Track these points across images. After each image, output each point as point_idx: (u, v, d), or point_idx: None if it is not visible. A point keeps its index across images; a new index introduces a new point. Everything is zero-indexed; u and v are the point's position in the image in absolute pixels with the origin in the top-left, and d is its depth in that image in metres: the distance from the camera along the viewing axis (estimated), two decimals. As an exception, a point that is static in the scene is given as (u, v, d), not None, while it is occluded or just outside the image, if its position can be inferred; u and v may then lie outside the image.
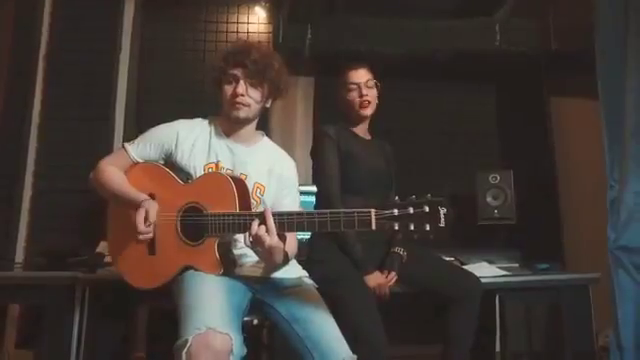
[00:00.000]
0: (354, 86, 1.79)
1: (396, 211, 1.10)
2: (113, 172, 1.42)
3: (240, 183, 1.35)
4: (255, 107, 1.45)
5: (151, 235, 1.32)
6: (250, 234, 1.22)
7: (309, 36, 2.65)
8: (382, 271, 1.67)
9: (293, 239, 1.36)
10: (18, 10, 2.81)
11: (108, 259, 1.87)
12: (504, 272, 1.84)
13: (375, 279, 1.63)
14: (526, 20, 2.65)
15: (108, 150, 2.68)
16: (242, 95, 1.41)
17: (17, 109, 2.69)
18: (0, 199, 2.62)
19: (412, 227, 1.09)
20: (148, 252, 1.38)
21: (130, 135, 2.73)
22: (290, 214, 1.23)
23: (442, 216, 1.08)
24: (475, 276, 1.70)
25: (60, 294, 1.67)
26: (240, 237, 1.39)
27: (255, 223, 1.22)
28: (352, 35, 2.66)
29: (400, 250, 1.71)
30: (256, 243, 1.22)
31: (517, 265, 2.05)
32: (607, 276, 1.94)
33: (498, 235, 2.57)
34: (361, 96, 1.77)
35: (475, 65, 2.73)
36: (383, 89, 2.86)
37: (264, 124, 2.80)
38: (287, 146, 2.75)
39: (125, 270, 1.42)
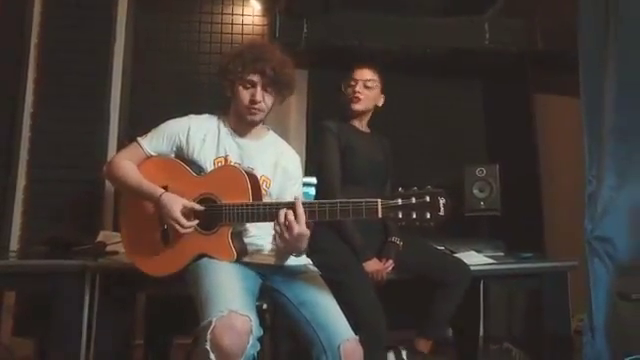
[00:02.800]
0: (353, 82, 1.88)
1: (400, 201, 1.19)
2: (129, 166, 1.47)
3: (252, 176, 1.42)
4: (268, 110, 1.53)
5: (193, 227, 1.37)
6: (279, 222, 1.29)
7: (305, 30, 2.70)
8: (380, 259, 1.77)
9: None
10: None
11: (110, 248, 1.92)
12: (491, 260, 1.97)
13: (373, 265, 1.73)
14: (514, 20, 2.76)
15: (102, 140, 2.69)
16: (260, 102, 1.47)
17: (10, 98, 2.67)
18: (-5, 188, 2.62)
19: (414, 215, 1.19)
20: (162, 241, 1.44)
21: (124, 125, 2.76)
22: (319, 203, 1.31)
23: (442, 206, 1.18)
24: (465, 263, 1.82)
25: (69, 282, 1.70)
26: (251, 227, 1.46)
27: (283, 211, 1.29)
28: (347, 30, 2.72)
29: (396, 239, 1.81)
30: (286, 230, 1.29)
31: (502, 254, 2.18)
32: (583, 264, 2.09)
33: (483, 226, 2.71)
34: (354, 92, 1.86)
35: (465, 62, 2.84)
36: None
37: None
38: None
39: (139, 259, 1.48)
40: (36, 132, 2.67)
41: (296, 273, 1.49)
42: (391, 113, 2.96)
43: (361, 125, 1.93)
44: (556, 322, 1.97)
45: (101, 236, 2.13)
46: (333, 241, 1.72)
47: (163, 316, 2.20)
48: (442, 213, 1.19)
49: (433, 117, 3.00)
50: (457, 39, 2.71)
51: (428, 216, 1.19)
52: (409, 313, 1.71)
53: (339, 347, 1.32)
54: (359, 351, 1.36)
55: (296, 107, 3.12)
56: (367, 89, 1.87)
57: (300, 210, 1.28)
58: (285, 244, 1.33)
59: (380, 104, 1.96)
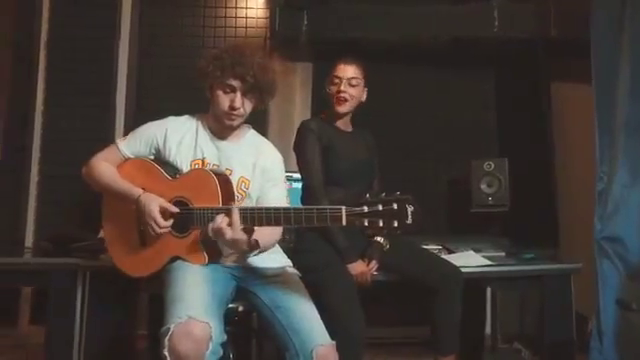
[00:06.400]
0: (337, 80, 1.79)
1: (366, 208, 1.15)
2: (105, 167, 1.49)
3: (223, 178, 1.41)
4: (247, 115, 1.50)
5: (169, 228, 1.38)
6: (212, 227, 1.29)
7: (305, 22, 2.65)
8: (364, 259, 1.73)
9: (268, 230, 1.38)
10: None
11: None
12: (488, 262, 1.89)
13: (357, 267, 1.69)
14: (525, 5, 2.60)
15: (108, 136, 2.76)
16: (239, 108, 1.44)
17: (22, 97, 2.78)
18: (10, 185, 2.75)
19: (381, 223, 1.14)
20: (140, 243, 1.46)
21: (130, 121, 2.82)
22: (253, 209, 1.32)
23: (409, 213, 1.13)
24: (453, 265, 1.75)
25: (63, 279, 1.77)
26: None
27: (219, 217, 1.29)
28: (349, 21, 2.65)
29: (381, 239, 1.76)
30: (216, 235, 1.30)
31: (503, 254, 2.09)
32: (591, 265, 1.98)
33: (492, 222, 2.61)
34: (339, 91, 1.78)
35: (473, 51, 2.71)
36: (380, 75, 2.86)
37: (263, 111, 2.85)
38: (286, 132, 2.80)
39: (120, 259, 1.51)
40: (47, 129, 2.77)
41: (272, 276, 1.48)
42: (395, 106, 2.91)
43: (343, 123, 1.87)
44: (558, 327, 1.88)
45: (102, 233, 2.19)
46: (316, 242, 1.69)
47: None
48: (410, 221, 1.14)
49: (439, 109, 2.89)
50: (464, 27, 2.58)
51: (395, 224, 1.14)
52: (396, 310, 1.67)
53: (312, 352, 1.31)
54: (333, 356, 1.35)
55: (301, 100, 3.09)
56: (352, 87, 1.79)
57: (235, 217, 1.27)
58: (226, 246, 1.33)
59: (364, 99, 1.86)
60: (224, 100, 1.45)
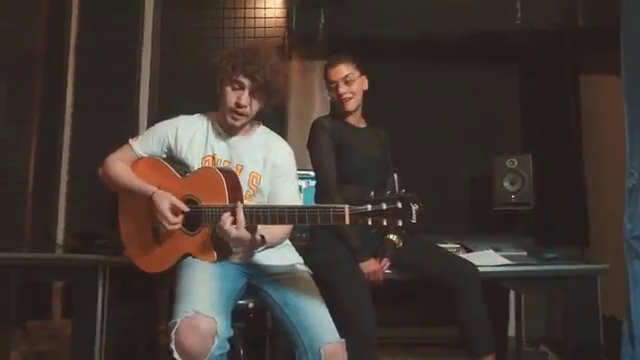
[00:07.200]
0: (332, 84, 1.79)
1: (369, 207, 1.13)
2: (121, 167, 1.54)
3: (231, 175, 1.43)
4: (252, 116, 1.50)
5: (179, 224, 1.41)
6: (218, 225, 1.31)
7: (322, 21, 2.64)
8: (376, 258, 1.71)
9: (275, 227, 1.38)
10: (52, 4, 2.99)
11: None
12: (506, 261, 1.82)
13: (370, 266, 1.67)
14: (549, -5, 2.50)
15: (134, 136, 2.83)
16: (245, 107, 1.45)
17: (53, 100, 2.91)
18: (42, 184, 2.88)
19: (385, 222, 1.12)
20: (154, 240, 1.50)
21: (153, 121, 2.89)
22: (259, 208, 1.32)
23: (414, 212, 1.11)
24: (470, 264, 1.70)
25: (85, 275, 1.84)
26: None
27: (224, 216, 1.30)
28: (366, 18, 2.62)
29: (394, 237, 1.74)
30: (223, 233, 1.31)
31: (525, 254, 2.01)
32: (620, 266, 1.88)
33: (515, 221, 2.53)
34: (340, 94, 1.77)
35: (494, 45, 2.62)
36: (399, 71, 2.81)
37: (282, 109, 2.88)
38: (305, 131, 2.79)
39: (136, 256, 1.55)
40: (75, 131, 2.89)
41: (282, 273, 1.48)
42: (414, 103, 2.86)
43: (356, 119, 1.86)
44: (583, 330, 1.79)
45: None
46: (329, 240, 1.68)
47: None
48: (415, 220, 1.11)
49: (460, 106, 2.81)
50: (483, 20, 2.49)
51: (400, 223, 1.12)
52: (413, 310, 1.62)
53: (320, 349, 1.31)
54: (341, 354, 1.34)
55: (320, 99, 3.09)
56: (348, 84, 1.77)
57: (239, 216, 1.28)
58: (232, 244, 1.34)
59: (366, 87, 1.84)
60: (231, 96, 1.46)
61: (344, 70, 1.78)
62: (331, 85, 1.79)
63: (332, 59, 1.82)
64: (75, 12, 2.96)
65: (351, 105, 1.79)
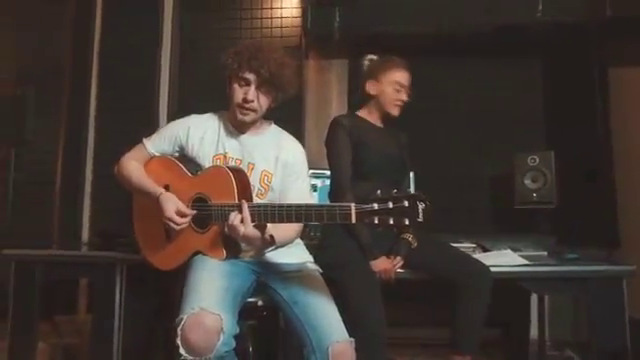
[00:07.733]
0: (399, 87, 1.79)
1: (376, 205, 1.12)
2: (134, 166, 1.57)
3: (240, 174, 1.43)
4: (262, 111, 1.50)
5: (187, 223, 1.43)
6: (227, 223, 1.31)
7: (337, 19, 2.63)
8: (389, 256, 1.69)
9: (284, 225, 1.37)
10: (78, 11, 3.09)
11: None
12: (524, 261, 1.77)
13: (381, 264, 1.66)
14: (572, -14, 2.41)
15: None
16: (252, 101, 1.46)
17: (78, 104, 3.02)
18: (69, 184, 2.99)
19: (391, 221, 1.11)
20: (166, 239, 1.53)
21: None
22: (267, 206, 1.32)
23: (420, 211, 1.09)
24: (481, 264, 1.66)
25: (103, 272, 1.90)
26: None
27: (232, 214, 1.30)
28: (381, 15, 2.60)
29: (409, 237, 1.71)
30: (231, 232, 1.32)
31: (545, 254, 1.95)
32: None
33: (537, 220, 2.45)
34: (400, 99, 1.79)
35: (515, 38, 2.55)
36: (416, 68, 2.78)
37: (299, 108, 2.89)
38: (322, 129, 2.79)
39: (149, 253, 1.58)
40: (99, 132, 2.99)
41: (291, 271, 1.48)
42: (433, 100, 2.81)
43: (376, 119, 1.85)
44: (608, 334, 1.72)
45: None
46: (340, 238, 1.67)
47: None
48: (421, 219, 1.09)
49: (479, 102, 2.75)
50: (503, 14, 2.43)
51: (406, 222, 1.10)
52: (425, 310, 1.59)
53: (328, 348, 1.30)
54: (350, 354, 1.33)
55: (337, 97, 3.08)
56: (407, 95, 1.80)
57: (245, 214, 1.28)
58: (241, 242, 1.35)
59: None
60: (238, 93, 1.47)
61: (410, 78, 1.81)
62: (397, 87, 1.79)
63: (402, 62, 1.82)
64: (98, 20, 3.06)
65: (398, 112, 1.81)
